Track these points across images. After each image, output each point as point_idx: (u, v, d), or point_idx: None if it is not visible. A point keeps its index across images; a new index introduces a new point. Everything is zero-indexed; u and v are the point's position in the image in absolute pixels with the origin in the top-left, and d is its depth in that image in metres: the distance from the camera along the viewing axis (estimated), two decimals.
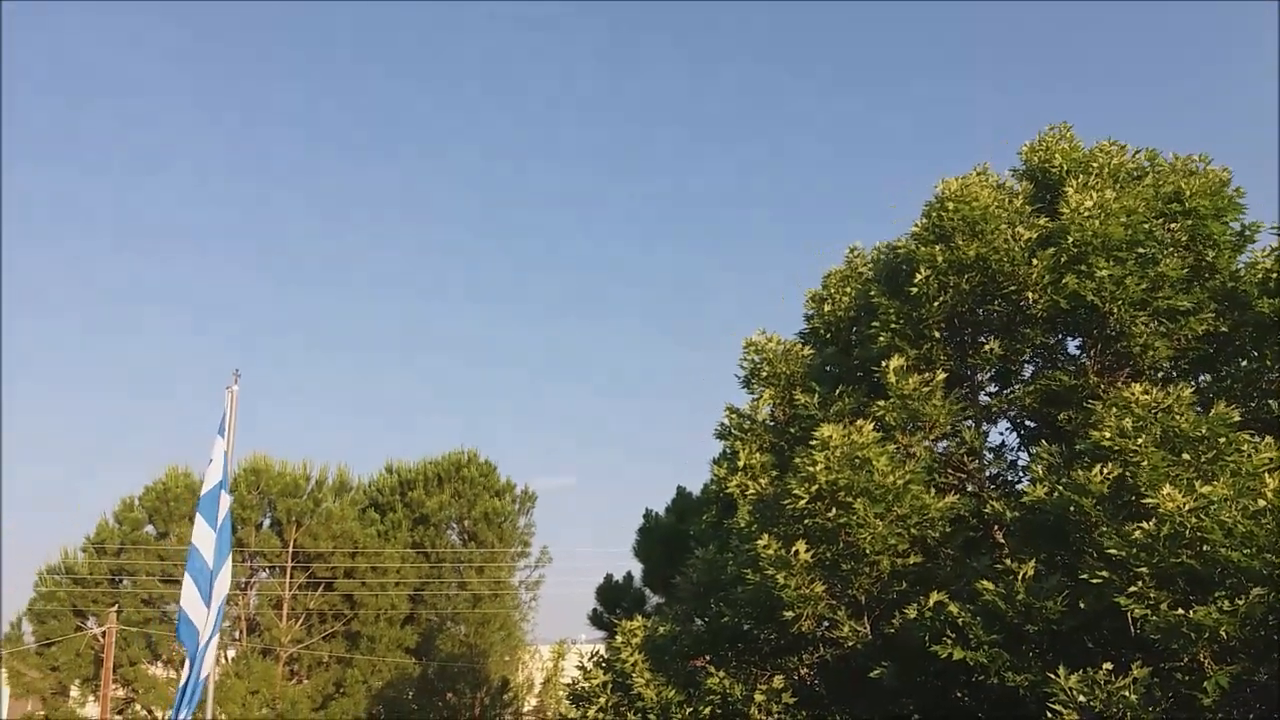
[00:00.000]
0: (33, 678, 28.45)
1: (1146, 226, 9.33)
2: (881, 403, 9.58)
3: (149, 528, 29.63)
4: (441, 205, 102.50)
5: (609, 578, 20.44)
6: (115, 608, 26.88)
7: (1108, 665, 6.84)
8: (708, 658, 10.55)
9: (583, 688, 11.13)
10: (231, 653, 28.91)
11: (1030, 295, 9.43)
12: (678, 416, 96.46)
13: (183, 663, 10.44)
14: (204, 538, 10.68)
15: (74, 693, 29.19)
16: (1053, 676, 6.98)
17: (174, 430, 79.73)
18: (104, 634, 26.95)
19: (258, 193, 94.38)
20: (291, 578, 29.08)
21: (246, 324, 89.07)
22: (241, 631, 29.22)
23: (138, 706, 27.48)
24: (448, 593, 30.67)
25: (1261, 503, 6.76)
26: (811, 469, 8.93)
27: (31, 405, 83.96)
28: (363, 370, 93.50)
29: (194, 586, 10.37)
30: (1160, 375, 9.28)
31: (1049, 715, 6.83)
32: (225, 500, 11.09)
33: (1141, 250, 9.29)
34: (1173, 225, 9.76)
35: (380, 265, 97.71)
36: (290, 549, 29.02)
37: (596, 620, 19.99)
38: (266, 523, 30.03)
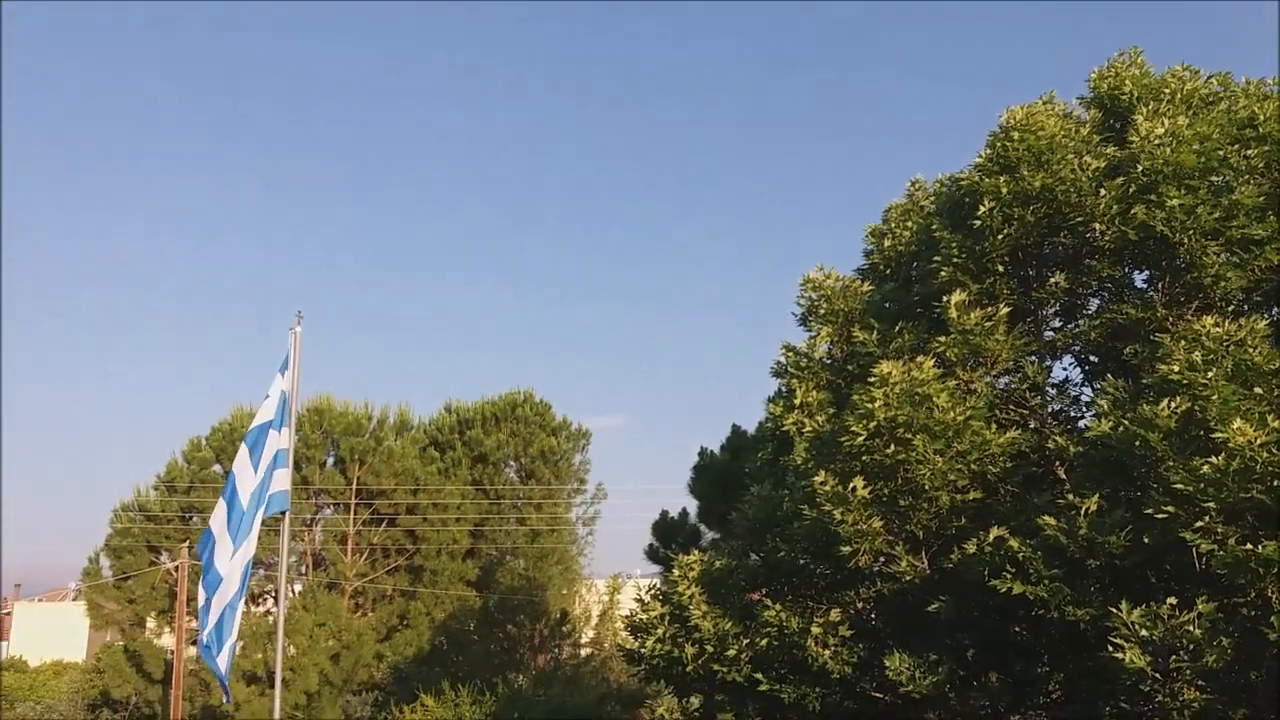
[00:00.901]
0: (111, 610, 29.71)
1: (1220, 153, 8.99)
2: (942, 339, 9.45)
3: (216, 466, 30.53)
4: (496, 137, 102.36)
5: (664, 514, 20.67)
6: (187, 544, 27.83)
7: (1171, 600, 6.78)
8: (764, 591, 10.64)
9: (641, 619, 11.30)
10: (298, 587, 29.87)
11: (1097, 227, 9.19)
12: (728, 358, 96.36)
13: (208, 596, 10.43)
14: (244, 473, 10.67)
15: (150, 624, 30.44)
16: (1114, 611, 6.93)
17: (237, 370, 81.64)
18: (177, 568, 27.97)
19: (318, 130, 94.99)
20: (355, 514, 29.85)
21: (306, 261, 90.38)
22: (308, 566, 30.14)
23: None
24: (506, 528, 31.29)
25: None
26: (870, 406, 8.88)
27: (109, 352, 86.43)
28: (419, 306, 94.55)
29: (224, 513, 10.37)
30: (1231, 309, 9.02)
31: (1110, 649, 6.80)
32: (274, 438, 11.08)
33: (1214, 178, 8.98)
34: (1248, 151, 9.40)
35: (433, 203, 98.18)
36: (354, 486, 29.74)
37: (653, 555, 20.24)
38: (330, 461, 30.77)
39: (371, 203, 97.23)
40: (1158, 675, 5.90)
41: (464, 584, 30.06)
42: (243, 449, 10.84)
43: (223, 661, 10.20)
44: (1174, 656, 6.33)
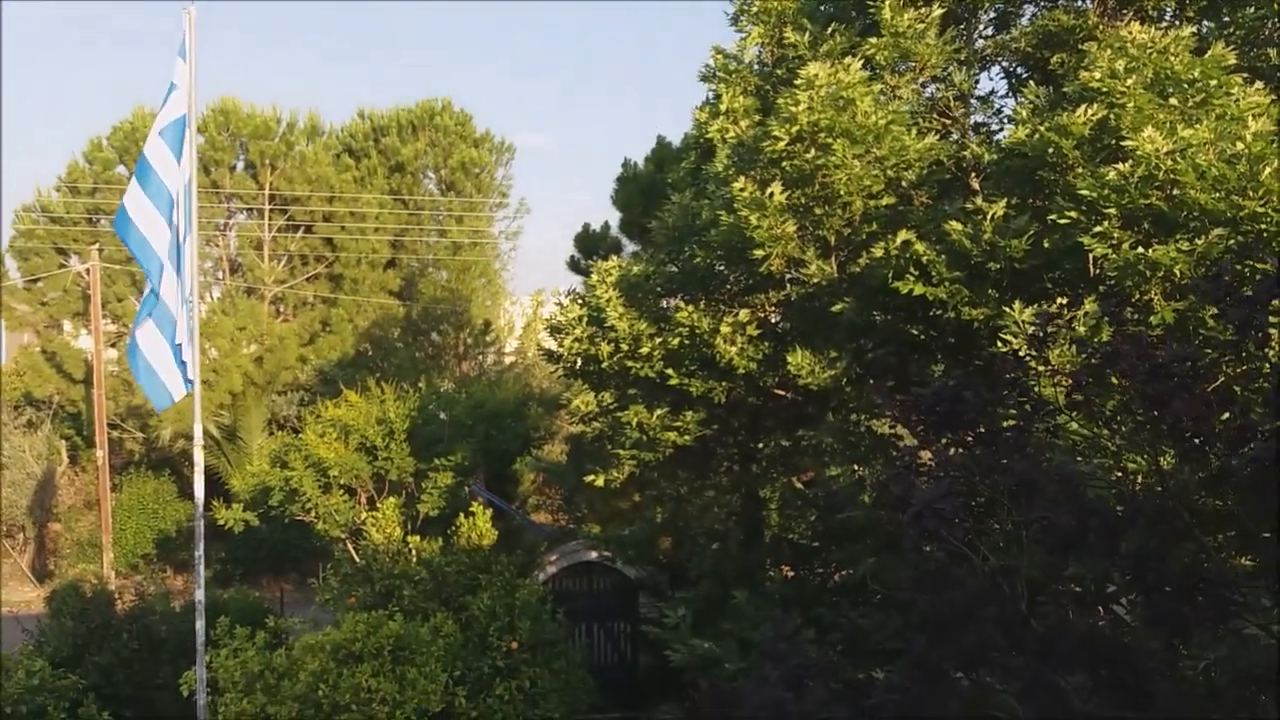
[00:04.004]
0: (24, 312, 29.32)
1: None
2: (873, 40, 9.21)
3: (120, 168, 29.28)
4: None
5: (586, 226, 20.58)
6: (96, 246, 27.13)
7: (1062, 299, 7.13)
8: (679, 296, 10.94)
9: (560, 321, 11.61)
10: (216, 292, 29.70)
11: None
12: (662, 67, 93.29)
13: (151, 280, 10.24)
14: (164, 162, 10.20)
15: (67, 327, 30.22)
16: (1008, 310, 7.27)
17: (128, 68, 76.59)
18: (88, 271, 27.40)
19: None
20: (270, 220, 29.24)
21: None
22: (224, 272, 29.84)
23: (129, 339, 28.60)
24: (427, 240, 31.10)
25: (1240, 146, 6.75)
26: (794, 109, 8.75)
27: None
28: (328, 8, 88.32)
29: (149, 203, 9.95)
30: (1164, 23, 8.90)
31: (999, 344, 7.20)
32: (190, 135, 10.56)
33: None
34: None
35: None
36: (266, 192, 28.93)
37: (574, 266, 20.38)
38: (240, 165, 29.70)
39: None
40: (1040, 366, 6.29)
41: (386, 293, 30.21)
42: (159, 141, 10.25)
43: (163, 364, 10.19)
44: (1057, 350, 6.71)
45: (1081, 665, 4.36)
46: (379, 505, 14.14)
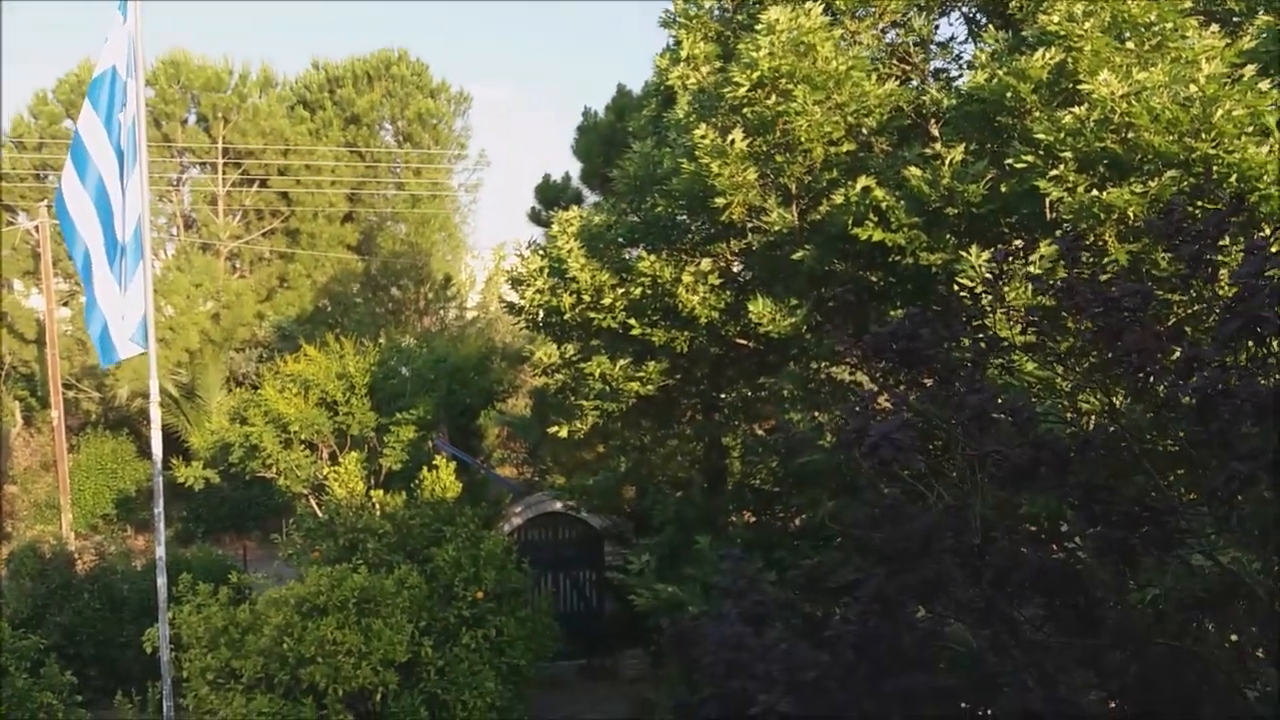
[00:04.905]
0: None
1: None
2: None
3: (67, 122, 28.53)
4: None
5: (546, 177, 20.36)
6: (44, 203, 26.46)
7: (1018, 242, 7.20)
8: (641, 247, 10.90)
9: (521, 273, 11.53)
10: (171, 248, 29.15)
11: None
12: (623, 13, 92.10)
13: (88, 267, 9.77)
14: (91, 127, 9.85)
15: (18, 286, 29.57)
16: (965, 255, 7.33)
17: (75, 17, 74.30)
18: (37, 228, 26.74)
19: None
20: (224, 174, 28.68)
21: None
22: (179, 228, 29.28)
23: (81, 298, 28.03)
24: (385, 193, 30.68)
25: (1193, 89, 6.81)
26: (754, 55, 8.69)
27: None
28: None
29: (78, 182, 9.63)
30: None
31: (955, 288, 7.26)
32: (132, 88, 10.18)
33: None
34: None
35: None
36: (220, 145, 28.33)
37: (535, 218, 20.16)
38: (192, 119, 29.04)
39: None
40: (995, 307, 6.36)
41: (344, 247, 29.82)
42: (85, 106, 9.90)
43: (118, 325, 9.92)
44: (1012, 290, 6.78)
45: (1035, 595, 4.47)
46: (341, 460, 14.07)
